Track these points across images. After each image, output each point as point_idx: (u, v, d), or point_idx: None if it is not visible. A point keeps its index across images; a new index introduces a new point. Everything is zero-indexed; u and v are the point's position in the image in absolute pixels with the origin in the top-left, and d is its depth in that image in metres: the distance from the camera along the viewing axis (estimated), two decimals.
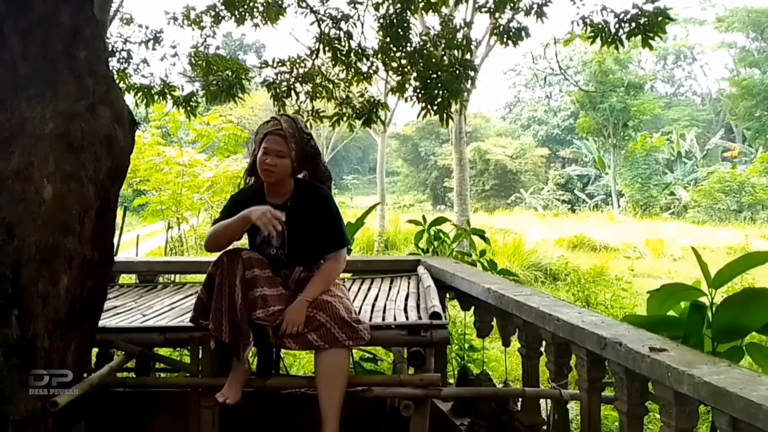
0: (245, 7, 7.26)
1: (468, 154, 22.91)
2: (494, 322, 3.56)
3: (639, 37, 6.07)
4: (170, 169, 12.47)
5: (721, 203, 30.26)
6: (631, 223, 27.27)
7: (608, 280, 12.67)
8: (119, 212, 3.18)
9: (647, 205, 33.50)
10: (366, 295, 3.62)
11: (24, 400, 2.14)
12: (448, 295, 4.13)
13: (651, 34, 5.99)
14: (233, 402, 2.56)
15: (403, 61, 6.59)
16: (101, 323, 2.63)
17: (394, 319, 2.92)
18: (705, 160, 37.10)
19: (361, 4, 6.79)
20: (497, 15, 6.85)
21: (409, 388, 2.69)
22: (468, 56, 6.66)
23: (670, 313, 2.69)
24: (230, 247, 2.68)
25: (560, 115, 47.51)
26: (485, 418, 3.26)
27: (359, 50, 6.75)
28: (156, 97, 7.28)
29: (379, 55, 6.72)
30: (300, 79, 7.04)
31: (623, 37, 6.19)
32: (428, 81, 6.14)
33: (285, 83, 6.98)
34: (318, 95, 7.13)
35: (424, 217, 5.48)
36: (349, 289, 3.10)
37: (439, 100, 6.07)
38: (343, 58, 6.71)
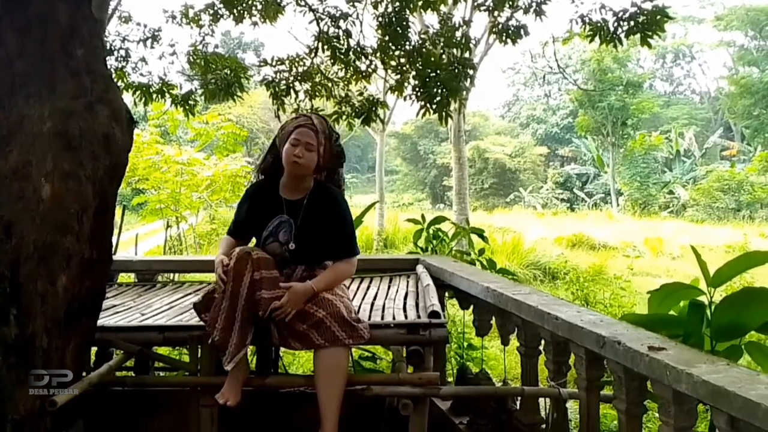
0: (244, 5, 7.24)
1: (467, 153, 22.91)
2: (493, 321, 3.57)
3: (638, 36, 6.06)
4: (169, 168, 12.47)
5: (719, 202, 30.27)
6: (630, 222, 27.28)
7: (607, 279, 12.69)
8: (118, 211, 3.18)
9: (646, 204, 33.50)
10: (365, 293, 3.63)
11: (22, 399, 2.13)
12: (447, 294, 4.13)
13: (650, 33, 5.99)
14: (233, 404, 2.55)
15: (402, 60, 6.58)
16: (100, 322, 2.63)
17: (393, 318, 2.91)
18: (704, 159, 37.11)
19: (359, 2, 6.78)
20: (496, 13, 6.85)
21: (408, 387, 2.69)
22: (467, 55, 6.66)
23: (670, 312, 2.69)
24: (241, 248, 2.66)
25: (559, 114, 47.48)
26: (484, 416, 3.26)
27: (358, 49, 6.74)
28: (154, 95, 7.26)
29: (378, 54, 6.70)
30: (299, 77, 7.03)
31: (622, 35, 6.19)
32: (427, 79, 6.14)
33: (284, 82, 6.97)
34: (317, 94, 7.12)
35: (423, 216, 5.48)
36: (348, 288, 3.11)
37: (438, 98, 6.06)
38: (342, 56, 6.70)
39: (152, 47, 7.67)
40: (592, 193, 39.43)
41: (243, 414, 2.64)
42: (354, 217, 2.96)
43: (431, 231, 5.34)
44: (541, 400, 3.21)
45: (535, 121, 48.43)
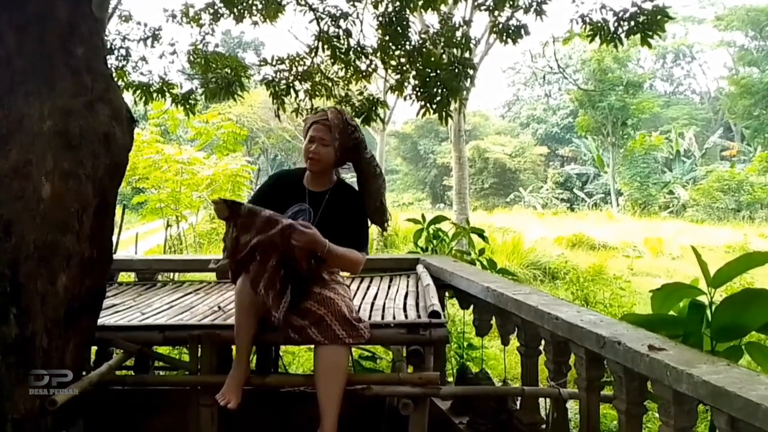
0: (244, 4, 7.24)
1: (467, 153, 22.90)
2: (493, 321, 3.57)
3: (638, 36, 6.06)
4: (169, 167, 12.46)
5: (719, 202, 30.26)
6: (630, 222, 27.25)
7: (607, 279, 12.66)
8: (118, 210, 3.19)
9: (646, 204, 33.48)
10: (365, 293, 3.63)
11: (23, 398, 2.13)
12: (447, 294, 4.13)
13: (650, 33, 5.99)
14: (234, 406, 2.56)
15: (403, 60, 6.58)
16: (100, 321, 2.63)
17: (394, 318, 2.92)
18: (704, 159, 37.08)
19: (360, 1, 6.78)
20: (496, 13, 6.84)
21: (408, 387, 2.69)
22: (467, 54, 6.65)
23: (670, 312, 2.69)
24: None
25: (559, 114, 47.46)
26: (484, 416, 3.26)
27: (358, 48, 6.74)
28: (155, 94, 7.26)
29: (378, 53, 6.70)
30: (299, 77, 7.03)
31: (622, 35, 6.19)
32: (427, 79, 6.14)
33: (284, 81, 6.97)
34: (317, 93, 7.12)
35: (423, 216, 5.48)
36: (348, 288, 3.11)
37: (438, 98, 6.06)
38: (342, 56, 6.70)
39: (152, 46, 7.66)
40: (592, 193, 39.43)
41: (243, 413, 2.64)
42: None
43: (431, 231, 5.34)
44: (541, 400, 3.22)
45: (536, 120, 48.41)
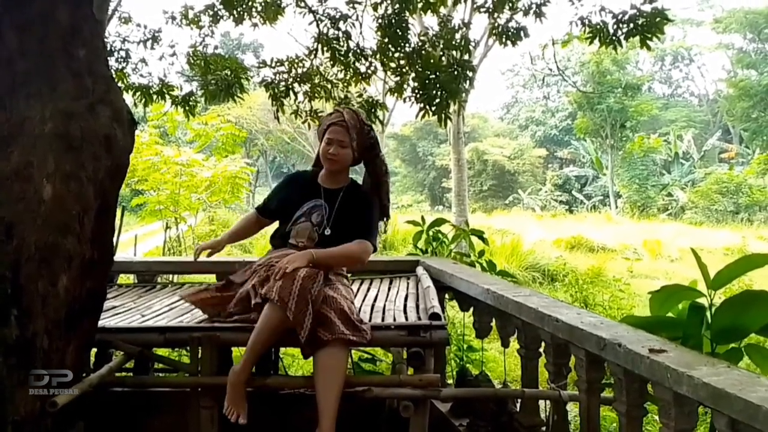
0: (244, 6, 7.25)
1: (466, 155, 22.92)
2: (493, 323, 3.57)
3: (637, 38, 6.08)
4: (168, 169, 12.43)
5: (718, 204, 30.30)
6: (629, 224, 27.29)
7: (606, 281, 12.66)
8: (118, 212, 3.19)
9: (645, 206, 33.53)
10: (365, 295, 3.63)
11: (23, 400, 2.13)
12: (447, 296, 4.13)
13: (649, 35, 6.00)
14: (244, 420, 2.56)
15: (402, 62, 6.59)
16: (100, 323, 2.63)
17: (394, 320, 2.92)
18: (702, 161, 37.14)
19: (359, 4, 6.78)
20: (496, 15, 6.85)
21: (408, 389, 2.69)
22: (466, 57, 6.66)
23: (669, 314, 2.69)
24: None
25: (558, 116, 47.54)
26: (484, 418, 3.26)
27: (358, 50, 6.74)
28: (154, 96, 7.27)
29: (378, 56, 6.71)
30: (298, 79, 7.03)
31: (621, 37, 6.20)
32: (426, 81, 6.15)
33: (283, 83, 6.97)
34: (316, 95, 7.12)
35: (423, 218, 5.48)
36: (351, 288, 3.13)
37: (437, 100, 6.07)
38: (342, 58, 6.71)
39: (152, 48, 7.67)
40: (590, 195, 39.47)
41: None
42: None
43: (431, 233, 5.34)
44: (542, 403, 3.22)
45: (534, 123, 48.48)
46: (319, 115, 7.16)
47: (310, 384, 2.63)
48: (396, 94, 6.65)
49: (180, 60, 7.77)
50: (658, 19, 5.94)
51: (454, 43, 6.52)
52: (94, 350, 3.05)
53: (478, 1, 7.51)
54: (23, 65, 2.27)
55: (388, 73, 6.94)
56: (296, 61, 7.10)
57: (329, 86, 7.13)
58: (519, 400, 3.28)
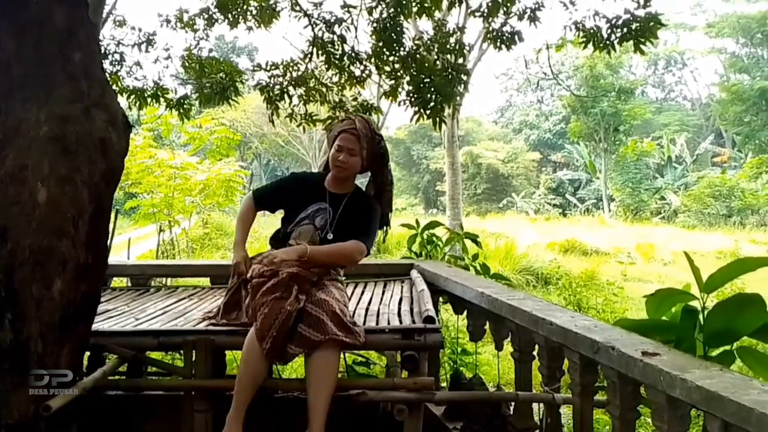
0: (238, 10, 7.24)
1: (460, 158, 22.95)
2: (487, 326, 3.57)
3: (630, 43, 6.11)
4: (162, 172, 12.40)
5: (710, 208, 30.42)
6: (622, 228, 27.38)
7: (599, 285, 12.69)
8: (111, 215, 3.18)
9: (638, 210, 33.64)
10: (360, 298, 3.63)
11: (17, 404, 2.13)
12: (441, 299, 4.14)
13: (643, 40, 6.02)
14: None
15: (396, 65, 6.60)
16: (94, 327, 2.62)
17: (388, 323, 2.92)
18: (695, 165, 37.31)
19: (354, 8, 6.79)
20: (490, 19, 6.87)
21: (402, 392, 2.69)
22: (461, 60, 6.67)
23: (662, 317, 2.70)
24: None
25: (552, 120, 47.66)
26: (478, 422, 3.27)
27: (353, 54, 6.75)
28: (149, 99, 7.25)
29: (373, 59, 6.72)
30: (293, 82, 7.03)
31: (615, 42, 6.23)
32: (421, 85, 6.16)
33: (278, 86, 6.97)
34: (311, 99, 7.12)
35: (417, 221, 5.48)
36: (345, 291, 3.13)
37: (431, 104, 6.08)
38: (337, 61, 6.71)
39: (147, 51, 7.64)
40: (584, 198, 39.57)
41: None
42: None
43: (425, 236, 5.34)
44: (535, 406, 3.22)
45: (528, 126, 48.59)
46: (314, 118, 7.16)
47: (305, 387, 2.63)
48: (391, 98, 6.66)
49: (175, 63, 7.76)
50: (651, 24, 5.96)
51: (448, 47, 6.53)
52: (87, 354, 3.04)
53: (472, 6, 7.53)
54: (20, 69, 2.27)
55: (383, 76, 6.94)
56: (291, 64, 7.09)
57: (324, 90, 7.12)
58: (513, 404, 3.29)
